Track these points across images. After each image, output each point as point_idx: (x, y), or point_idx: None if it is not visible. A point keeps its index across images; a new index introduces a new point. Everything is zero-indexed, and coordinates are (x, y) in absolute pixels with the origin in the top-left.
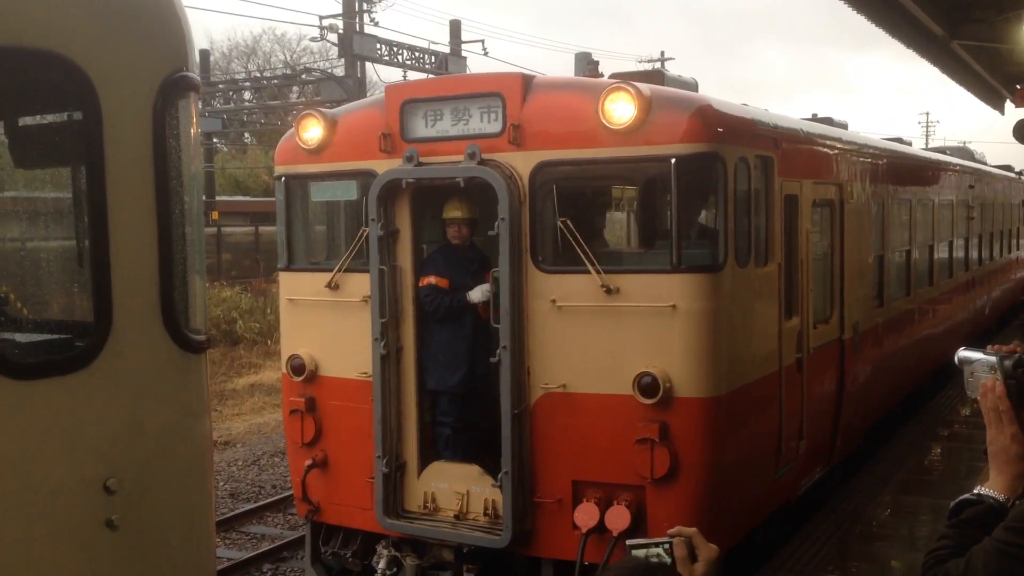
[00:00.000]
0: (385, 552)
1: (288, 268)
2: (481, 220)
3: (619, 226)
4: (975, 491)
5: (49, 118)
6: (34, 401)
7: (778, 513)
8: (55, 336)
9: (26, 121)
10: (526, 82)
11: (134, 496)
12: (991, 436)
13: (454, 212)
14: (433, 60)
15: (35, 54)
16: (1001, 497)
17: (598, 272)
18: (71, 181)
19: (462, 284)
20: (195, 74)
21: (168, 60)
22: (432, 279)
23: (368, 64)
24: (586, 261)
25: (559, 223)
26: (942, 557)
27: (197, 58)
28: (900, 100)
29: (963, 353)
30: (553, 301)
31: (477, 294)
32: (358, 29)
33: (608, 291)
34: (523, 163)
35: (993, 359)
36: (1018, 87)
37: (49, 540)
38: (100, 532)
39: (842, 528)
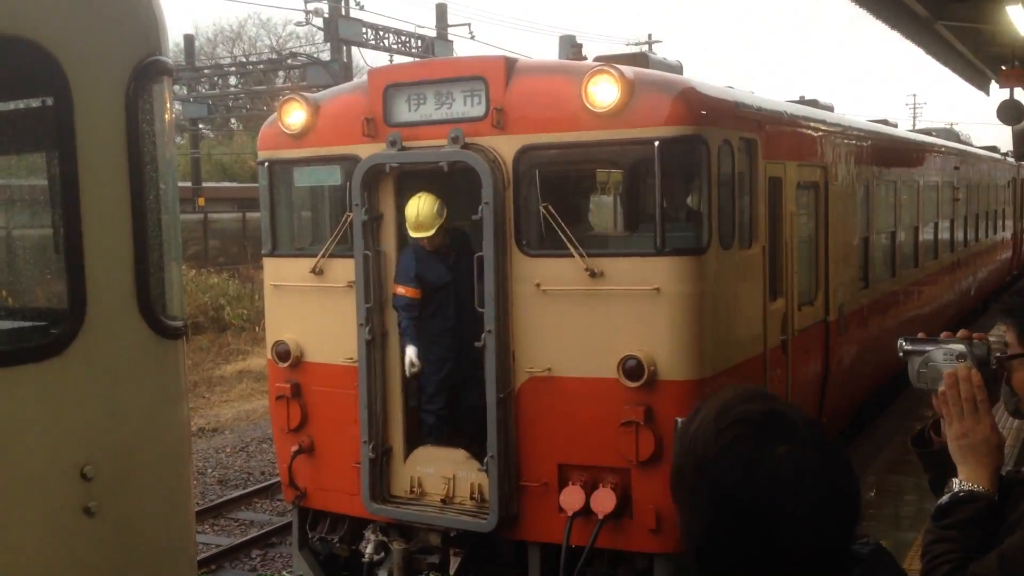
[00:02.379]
0: (372, 537)
1: (272, 254)
2: (465, 204)
3: (604, 210)
4: (958, 488)
5: (20, 104)
6: (8, 388)
7: None
8: (29, 323)
9: None
10: (509, 65)
11: (112, 483)
12: (964, 428)
13: (420, 232)
14: (419, 44)
15: (3, 39)
16: (984, 490)
17: (582, 256)
18: (44, 167)
19: (440, 279)
20: (168, 58)
21: (140, 44)
22: (400, 289)
23: (354, 48)
24: (570, 246)
25: (541, 208)
26: (957, 562)
27: (180, 41)
28: (887, 82)
29: (909, 345)
30: (537, 285)
31: (410, 353)
32: (343, 13)
33: (592, 275)
34: (507, 147)
35: (960, 347)
36: (1003, 68)
37: (26, 527)
38: (78, 519)
39: None
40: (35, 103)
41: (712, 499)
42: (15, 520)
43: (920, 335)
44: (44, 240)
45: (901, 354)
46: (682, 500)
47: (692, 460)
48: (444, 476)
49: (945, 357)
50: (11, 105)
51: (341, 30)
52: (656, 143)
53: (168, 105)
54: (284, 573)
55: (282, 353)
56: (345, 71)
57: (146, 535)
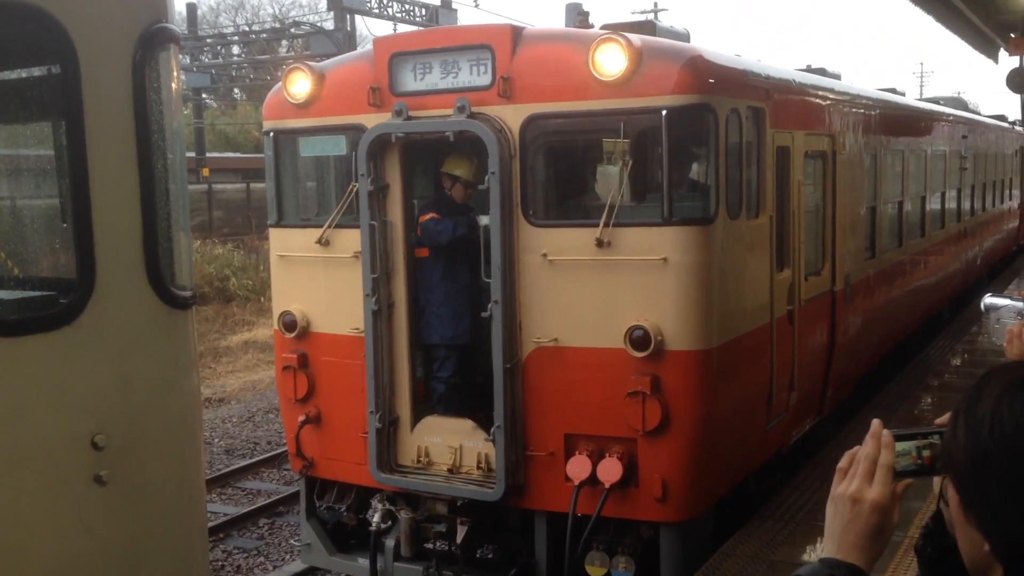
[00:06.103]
0: (379, 506)
1: (278, 224)
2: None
3: (610, 179)
4: None
5: (26, 72)
6: (19, 357)
7: (769, 463)
8: (39, 293)
9: (2, 75)
10: (515, 34)
11: (122, 451)
12: None
13: (453, 168)
14: (423, 12)
15: (9, 5)
16: None
17: (605, 226)
18: (51, 136)
19: (456, 229)
20: (175, 26)
21: (146, 11)
22: (433, 215)
23: (358, 17)
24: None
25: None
26: None
27: (183, 10)
28: (895, 51)
29: (989, 299)
30: (544, 255)
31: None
32: None
33: (599, 244)
34: (513, 116)
35: (1020, 304)
36: (1012, 35)
37: (38, 496)
38: (89, 487)
39: (832, 477)
40: (42, 71)
41: None
42: (27, 489)
43: (1017, 292)
44: (52, 210)
45: (983, 308)
46: (990, 495)
47: (1005, 447)
48: (451, 446)
49: (1009, 314)
50: (17, 73)
51: None
52: (663, 112)
53: (175, 73)
54: (291, 542)
55: (289, 323)
56: (349, 40)
57: (157, 503)
